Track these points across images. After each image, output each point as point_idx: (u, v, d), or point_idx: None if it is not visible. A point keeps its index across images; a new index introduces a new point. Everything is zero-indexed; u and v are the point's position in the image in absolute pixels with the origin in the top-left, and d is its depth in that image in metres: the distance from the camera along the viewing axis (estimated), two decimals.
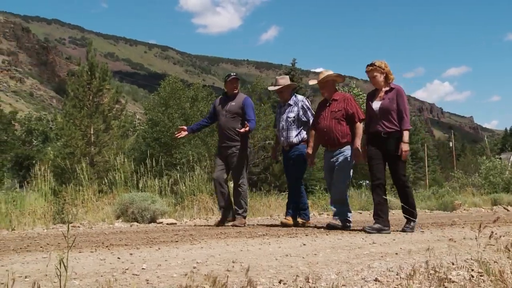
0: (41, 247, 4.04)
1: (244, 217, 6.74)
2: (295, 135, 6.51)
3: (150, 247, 4.01)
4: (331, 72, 6.13)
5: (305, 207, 6.68)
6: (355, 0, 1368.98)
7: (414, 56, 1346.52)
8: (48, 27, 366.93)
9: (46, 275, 2.64)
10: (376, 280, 2.68)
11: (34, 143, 51.33)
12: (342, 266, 3.02)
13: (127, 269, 2.84)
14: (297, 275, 2.71)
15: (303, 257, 3.40)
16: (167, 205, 8.19)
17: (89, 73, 19.97)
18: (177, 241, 4.45)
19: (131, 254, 3.53)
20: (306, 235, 5.09)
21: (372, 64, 5.54)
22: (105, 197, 8.88)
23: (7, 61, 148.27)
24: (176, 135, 7.10)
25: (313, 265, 3.06)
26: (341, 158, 5.89)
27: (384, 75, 5.52)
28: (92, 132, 19.56)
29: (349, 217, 5.97)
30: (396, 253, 3.66)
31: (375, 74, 5.54)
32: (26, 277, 2.59)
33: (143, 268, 2.87)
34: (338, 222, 5.87)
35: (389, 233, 5.30)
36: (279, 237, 4.92)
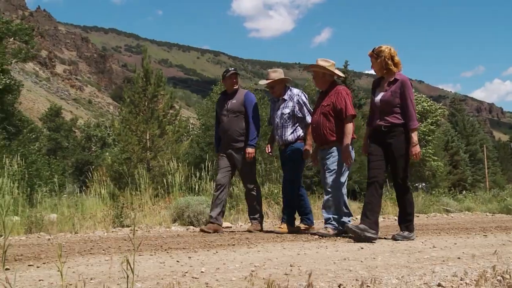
0: (103, 250, 4.17)
1: (260, 222, 6.31)
2: (290, 133, 5.98)
3: (208, 250, 4.06)
4: (324, 63, 5.53)
5: (307, 211, 6.23)
6: None
7: (474, 54, 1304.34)
8: (105, 36, 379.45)
9: (110, 277, 2.73)
10: (439, 285, 2.60)
11: (93, 149, 53.14)
12: (403, 271, 2.95)
13: (186, 272, 2.89)
14: (356, 279, 2.67)
15: (361, 261, 3.35)
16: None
17: (144, 79, 20.43)
18: (233, 245, 4.48)
19: (189, 257, 3.59)
20: None
21: (374, 50, 4.95)
22: (161, 201, 9.07)
23: (68, 70, 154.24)
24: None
25: (373, 269, 3.01)
26: (329, 161, 5.40)
27: (380, 60, 4.86)
28: (147, 138, 20.00)
29: (348, 223, 5.26)
30: (459, 258, 3.55)
31: (372, 61, 4.98)
32: (91, 279, 2.68)
33: (202, 271, 2.91)
34: (328, 231, 5.23)
35: (375, 238, 4.67)
36: (335, 240, 4.87)
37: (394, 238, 4.88)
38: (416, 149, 4.77)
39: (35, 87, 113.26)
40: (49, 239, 5.51)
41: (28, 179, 11.08)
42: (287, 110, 5.96)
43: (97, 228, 6.97)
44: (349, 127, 5.33)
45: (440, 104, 39.77)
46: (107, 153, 37.20)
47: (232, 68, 6.50)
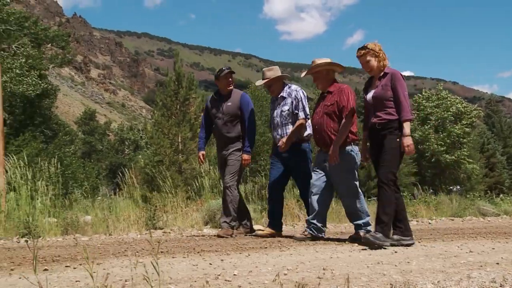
0: (137, 251, 4.23)
1: (232, 227, 5.89)
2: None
3: (240, 253, 4.07)
4: (324, 61, 5.30)
5: (279, 216, 5.89)
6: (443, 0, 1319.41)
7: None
8: (138, 40, 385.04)
9: (144, 279, 2.75)
10: None
11: (126, 152, 53.97)
12: (438, 275, 2.90)
13: (219, 275, 2.90)
14: (390, 284, 2.63)
15: (395, 265, 3.30)
16: (254, 211, 8.27)
17: (176, 83, 20.63)
18: (266, 248, 4.48)
19: (222, 260, 3.60)
20: None
21: (364, 47, 4.69)
22: (193, 203, 9.14)
23: (102, 74, 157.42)
24: (201, 164, 6.53)
25: (407, 274, 2.96)
26: (338, 163, 5.01)
27: (378, 59, 4.67)
28: (179, 140, 20.19)
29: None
30: (497, 263, 3.45)
31: (368, 58, 4.68)
32: (126, 280, 2.72)
33: (234, 274, 2.91)
34: (369, 236, 4.63)
35: (413, 242, 4.53)
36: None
37: (364, 238, 4.42)
38: (408, 140, 4.43)
39: (71, 91, 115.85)
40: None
41: (63, 182, 11.32)
42: (286, 107, 5.71)
43: (130, 230, 7.06)
44: (345, 125, 4.99)
45: (475, 106, 38.86)
46: (139, 156, 37.71)
47: (227, 67, 6.21)
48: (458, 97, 36.62)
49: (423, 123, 33.54)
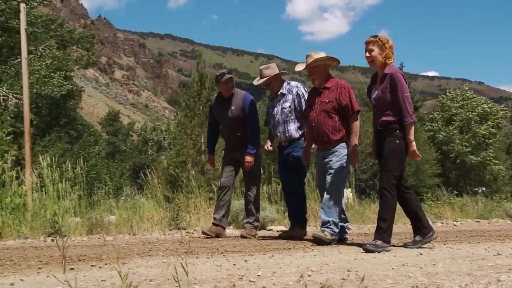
0: (161, 252, 4.26)
1: (256, 227, 5.96)
2: (295, 128, 5.55)
3: (264, 254, 4.07)
4: (322, 55, 5.08)
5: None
6: None
7: None
8: (161, 42, 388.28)
9: (168, 279, 2.77)
10: None
11: (149, 152, 54.44)
12: (465, 278, 2.85)
13: (243, 275, 2.90)
14: (416, 286, 2.60)
15: (421, 267, 3.26)
16: (277, 212, 8.26)
17: (199, 83, 20.73)
18: (289, 249, 4.47)
19: (245, 260, 3.60)
20: None
21: (375, 36, 4.46)
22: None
23: (126, 75, 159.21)
24: (213, 167, 6.63)
25: (433, 276, 2.92)
26: (333, 160, 4.88)
27: (384, 54, 4.42)
28: (202, 141, 20.28)
29: (345, 228, 5.09)
30: None
31: (371, 47, 4.46)
32: (150, 280, 2.74)
33: (258, 275, 2.91)
34: (325, 234, 4.75)
35: (388, 250, 4.24)
36: (393, 245, 4.75)
37: (364, 248, 4.24)
38: (413, 146, 4.34)
39: (95, 92, 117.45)
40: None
41: (88, 182, 11.48)
42: (287, 104, 5.57)
43: (154, 230, 7.11)
44: (357, 125, 4.92)
45: (502, 106, 38.24)
46: (163, 157, 38.02)
47: (227, 72, 6.10)
48: (483, 98, 36.07)
49: (448, 124, 33.11)
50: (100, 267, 3.32)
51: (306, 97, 5.47)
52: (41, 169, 7.69)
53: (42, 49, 20.90)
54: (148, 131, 59.04)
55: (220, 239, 5.63)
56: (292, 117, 5.55)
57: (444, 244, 4.93)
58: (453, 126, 32.55)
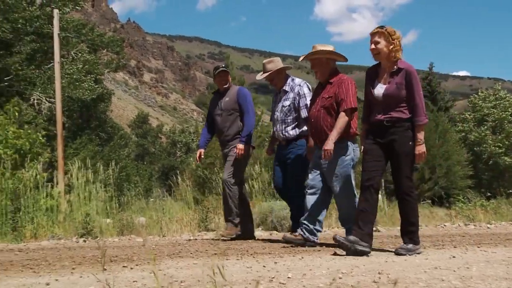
0: (191, 253, 4.30)
1: (236, 225, 5.68)
2: (292, 127, 5.33)
3: (293, 256, 4.06)
4: (328, 48, 4.81)
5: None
6: None
7: None
8: (189, 44, 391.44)
9: (199, 280, 2.80)
10: None
11: (178, 154, 54.90)
12: (502, 283, 2.78)
13: (273, 277, 2.90)
14: None
15: (454, 271, 3.21)
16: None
17: None
18: (319, 251, 4.44)
19: (275, 262, 3.60)
20: (454, 247, 4.80)
21: (382, 27, 4.17)
22: None
23: (155, 78, 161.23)
24: (198, 161, 6.39)
25: (467, 280, 2.86)
26: (332, 159, 4.56)
27: (391, 46, 4.11)
28: None
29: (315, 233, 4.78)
30: None
31: (377, 39, 4.15)
32: (181, 282, 2.77)
33: (288, 277, 2.91)
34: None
35: (368, 251, 4.00)
36: (424, 248, 4.68)
37: (397, 253, 4.12)
38: (421, 148, 4.09)
39: (125, 95, 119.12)
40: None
41: (118, 184, 11.64)
42: (287, 102, 5.36)
43: (183, 231, 7.19)
44: (342, 121, 4.53)
45: None
46: (191, 158, 38.30)
47: (222, 66, 6.07)
48: None
49: (479, 124, 32.51)
50: (131, 268, 3.37)
51: (307, 97, 5.28)
52: (73, 171, 7.83)
53: (73, 53, 21.32)
54: (177, 133, 59.52)
55: (249, 241, 5.64)
56: (290, 117, 5.34)
57: (478, 247, 4.83)
58: (485, 127, 31.96)
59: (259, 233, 7.15)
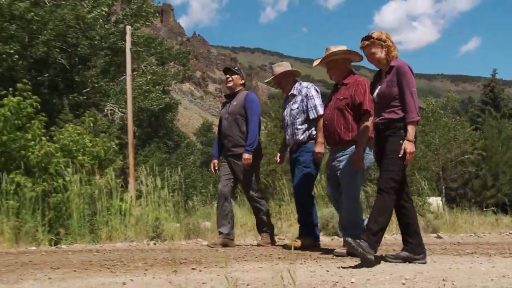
0: (255, 257, 4.33)
1: (270, 235, 5.59)
2: (302, 131, 5.11)
3: (356, 261, 3.97)
4: (343, 48, 4.63)
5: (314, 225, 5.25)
6: None
7: None
8: (251, 55, 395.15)
9: (265, 283, 2.82)
10: None
11: None
12: None
13: (337, 282, 2.88)
14: None
15: None
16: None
17: None
18: (380, 255, 4.36)
19: (338, 267, 3.57)
20: None
21: (368, 37, 3.96)
22: None
23: (219, 88, 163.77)
24: (214, 173, 6.15)
25: None
26: (344, 163, 4.42)
27: (385, 50, 3.94)
28: None
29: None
30: None
31: (373, 50, 3.96)
32: (247, 284, 2.80)
33: (352, 282, 2.87)
34: (353, 242, 3.69)
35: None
36: (490, 255, 4.48)
37: (347, 244, 3.82)
38: (410, 146, 3.74)
39: (190, 105, 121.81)
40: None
41: (184, 189, 11.89)
42: (295, 106, 5.17)
43: (247, 236, 7.24)
44: (366, 124, 4.33)
45: None
46: None
47: (230, 66, 5.85)
48: None
49: None
50: (200, 270, 3.44)
51: (315, 99, 5.10)
52: (142, 178, 8.09)
53: (143, 66, 22.06)
54: None
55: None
56: (299, 120, 5.15)
57: None
58: None
59: (320, 238, 7.08)
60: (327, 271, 3.37)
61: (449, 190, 25.43)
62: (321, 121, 4.86)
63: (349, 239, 3.69)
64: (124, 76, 16.39)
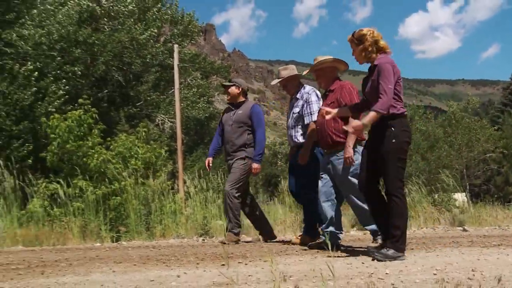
0: (296, 251, 4.32)
1: (235, 234, 5.30)
2: (301, 133, 4.96)
3: None
4: (330, 57, 4.60)
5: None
6: None
7: None
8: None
9: (305, 275, 2.82)
10: None
11: (278, 164, 55.30)
12: None
13: (372, 273, 2.85)
14: None
15: None
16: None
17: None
18: (412, 249, 4.26)
19: (373, 259, 3.51)
20: None
21: (352, 34, 3.77)
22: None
23: (257, 98, 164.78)
24: (208, 170, 5.97)
25: None
26: (338, 166, 4.27)
27: (362, 46, 3.67)
28: None
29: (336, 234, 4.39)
30: None
31: (352, 47, 3.76)
32: (290, 276, 2.80)
33: (386, 273, 2.83)
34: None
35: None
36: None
37: (372, 255, 3.51)
38: (356, 124, 3.47)
39: None
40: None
41: None
42: (297, 109, 5.02)
43: (286, 232, 7.22)
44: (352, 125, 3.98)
45: None
46: None
47: (229, 81, 5.81)
48: None
49: None
50: (246, 264, 3.46)
51: (313, 105, 4.89)
52: (190, 181, 8.22)
53: (189, 80, 22.44)
54: (277, 145, 60.05)
55: (347, 240, 5.54)
56: (300, 123, 4.99)
57: None
58: None
59: (353, 233, 7.01)
60: (363, 263, 3.33)
61: (473, 187, 24.73)
62: (311, 126, 4.78)
63: (375, 253, 3.49)
64: (173, 90, 16.68)
